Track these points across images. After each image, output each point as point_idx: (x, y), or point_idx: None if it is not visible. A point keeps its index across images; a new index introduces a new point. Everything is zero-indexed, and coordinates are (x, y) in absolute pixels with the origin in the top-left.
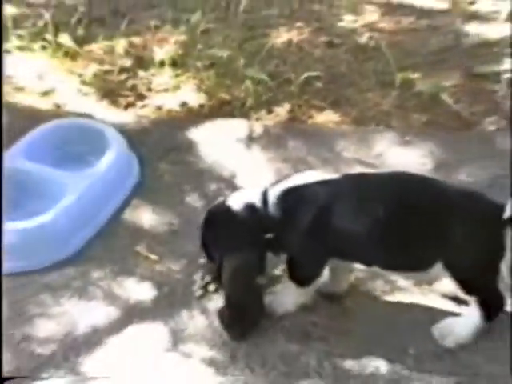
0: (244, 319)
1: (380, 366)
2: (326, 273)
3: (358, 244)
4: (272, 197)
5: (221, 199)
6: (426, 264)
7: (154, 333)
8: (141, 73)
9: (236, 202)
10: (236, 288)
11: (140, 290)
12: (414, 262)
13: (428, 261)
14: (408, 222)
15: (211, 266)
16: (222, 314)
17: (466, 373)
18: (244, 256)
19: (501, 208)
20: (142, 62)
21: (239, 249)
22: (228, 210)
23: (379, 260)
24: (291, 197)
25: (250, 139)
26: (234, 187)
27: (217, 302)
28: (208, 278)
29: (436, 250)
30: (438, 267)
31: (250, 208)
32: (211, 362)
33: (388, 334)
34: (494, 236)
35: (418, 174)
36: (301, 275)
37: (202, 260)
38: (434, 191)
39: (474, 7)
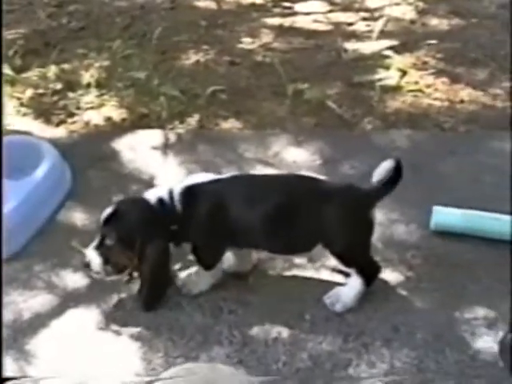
0: (159, 293)
1: (281, 331)
2: (231, 256)
3: (247, 233)
4: (176, 193)
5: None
6: (307, 247)
7: (88, 315)
8: (70, 94)
9: (150, 196)
10: (159, 268)
11: (75, 279)
12: (297, 247)
13: (309, 244)
14: (291, 214)
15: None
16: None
17: (352, 331)
18: (163, 242)
19: (366, 192)
20: (71, 84)
21: (156, 236)
22: (145, 201)
23: (268, 246)
24: (189, 194)
25: (166, 146)
26: (153, 187)
27: None
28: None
29: (315, 234)
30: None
31: (161, 202)
32: (138, 338)
33: (287, 304)
34: (362, 217)
35: (299, 174)
36: (204, 261)
37: None
38: (312, 186)
39: (351, 28)
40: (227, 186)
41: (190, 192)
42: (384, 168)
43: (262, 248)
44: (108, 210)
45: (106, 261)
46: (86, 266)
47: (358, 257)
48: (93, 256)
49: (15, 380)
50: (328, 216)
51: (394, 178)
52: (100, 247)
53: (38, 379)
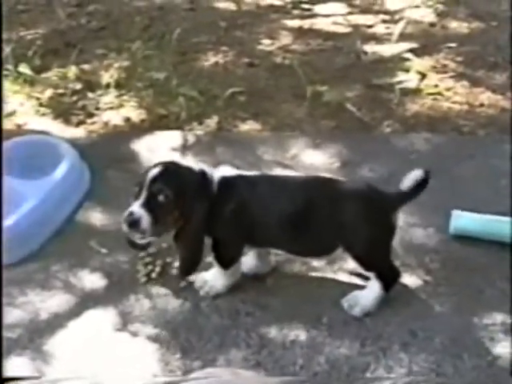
0: (198, 259)
1: (299, 334)
2: (250, 259)
3: (268, 233)
4: (215, 177)
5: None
6: (328, 249)
7: (105, 316)
8: (90, 94)
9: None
10: (202, 231)
11: (93, 280)
12: (318, 249)
13: (330, 246)
14: (311, 215)
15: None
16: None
17: (370, 336)
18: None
19: (389, 196)
20: (91, 85)
21: (201, 200)
22: (190, 167)
23: (288, 248)
24: (223, 184)
25: (185, 147)
26: None
27: (159, 287)
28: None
29: (336, 237)
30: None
31: (203, 174)
32: (155, 339)
33: (305, 307)
34: (384, 220)
35: (321, 175)
36: (222, 258)
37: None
38: (333, 188)
39: (371, 30)
40: (252, 185)
41: (224, 182)
42: (413, 177)
43: (282, 249)
44: (157, 169)
45: (155, 220)
46: (132, 225)
47: (378, 261)
48: (142, 213)
49: (17, 380)
50: (349, 218)
51: (420, 185)
52: (147, 205)
53: (43, 380)
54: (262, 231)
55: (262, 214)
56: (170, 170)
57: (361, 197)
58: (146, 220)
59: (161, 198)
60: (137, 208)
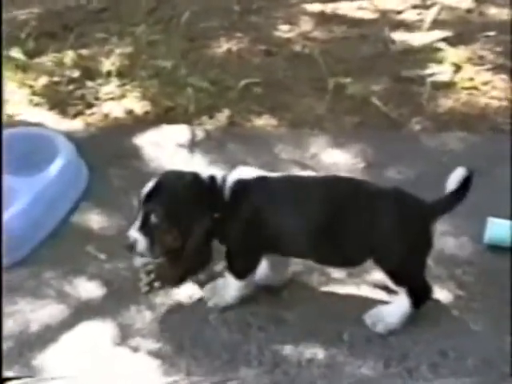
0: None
1: (317, 352)
2: (264, 267)
3: (293, 240)
4: (229, 181)
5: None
6: (358, 260)
7: (103, 328)
8: (88, 83)
9: (202, 172)
10: (203, 246)
11: (90, 288)
12: (346, 258)
13: (359, 258)
14: (339, 222)
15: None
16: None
17: (394, 355)
18: (210, 220)
19: (425, 205)
20: (90, 72)
21: (204, 213)
22: (195, 174)
23: (314, 256)
24: (239, 188)
25: (193, 143)
26: None
27: (162, 297)
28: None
29: (366, 247)
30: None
31: (213, 180)
32: (157, 354)
33: (324, 322)
34: (420, 232)
35: (349, 177)
36: (237, 268)
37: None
38: (363, 192)
39: (400, 17)
40: (274, 187)
41: (240, 186)
42: (455, 179)
43: (307, 258)
44: (150, 183)
45: (152, 241)
46: (130, 249)
47: (412, 276)
48: (138, 237)
49: (17, 380)
50: (382, 228)
51: (461, 191)
52: (144, 226)
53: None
54: (284, 239)
55: (284, 220)
56: (164, 186)
57: (396, 205)
58: (141, 243)
59: (153, 218)
60: (132, 231)
